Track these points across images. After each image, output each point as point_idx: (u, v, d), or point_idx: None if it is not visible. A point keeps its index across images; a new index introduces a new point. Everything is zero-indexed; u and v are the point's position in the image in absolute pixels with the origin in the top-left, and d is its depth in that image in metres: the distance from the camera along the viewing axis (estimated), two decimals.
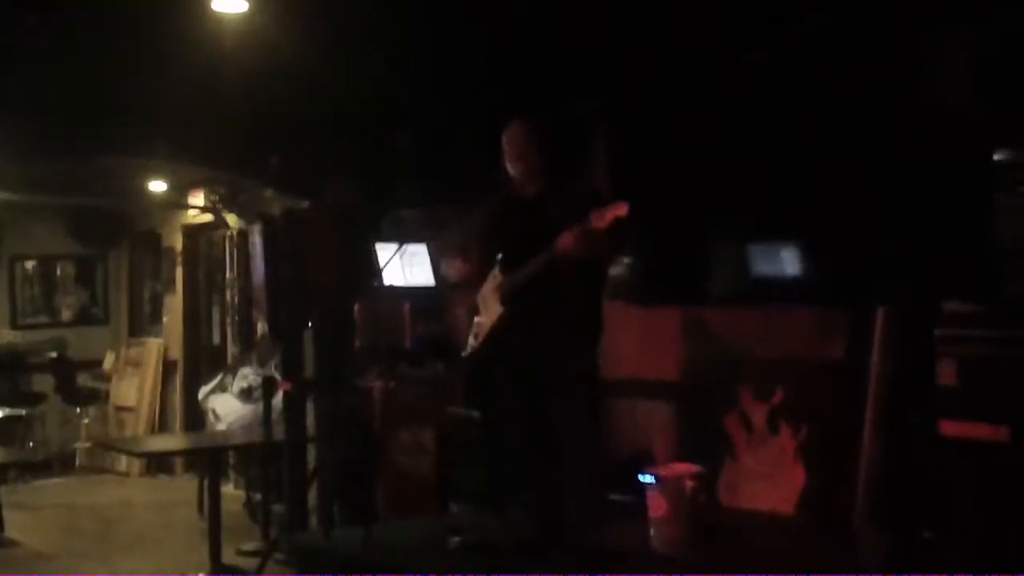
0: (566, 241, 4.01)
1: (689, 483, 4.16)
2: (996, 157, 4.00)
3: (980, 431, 3.48)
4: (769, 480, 4.74)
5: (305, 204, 6.94)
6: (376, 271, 5.78)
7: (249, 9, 4.48)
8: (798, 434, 4.68)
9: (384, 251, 5.85)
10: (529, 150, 4.38)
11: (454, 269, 4.73)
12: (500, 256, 4.38)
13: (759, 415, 4.86)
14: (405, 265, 5.84)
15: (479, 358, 4.51)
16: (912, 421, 3.85)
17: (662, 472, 4.28)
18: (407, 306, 5.63)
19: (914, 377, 3.87)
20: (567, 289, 4.19)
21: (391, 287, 5.81)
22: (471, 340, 4.49)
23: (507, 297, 4.30)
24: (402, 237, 6.01)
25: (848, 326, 4.47)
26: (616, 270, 5.36)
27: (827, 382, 4.57)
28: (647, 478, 4.20)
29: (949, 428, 3.59)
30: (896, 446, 3.96)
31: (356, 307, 5.92)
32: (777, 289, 5.11)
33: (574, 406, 4.28)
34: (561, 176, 4.43)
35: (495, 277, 4.38)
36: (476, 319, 4.46)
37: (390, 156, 6.37)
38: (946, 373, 3.63)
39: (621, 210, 3.90)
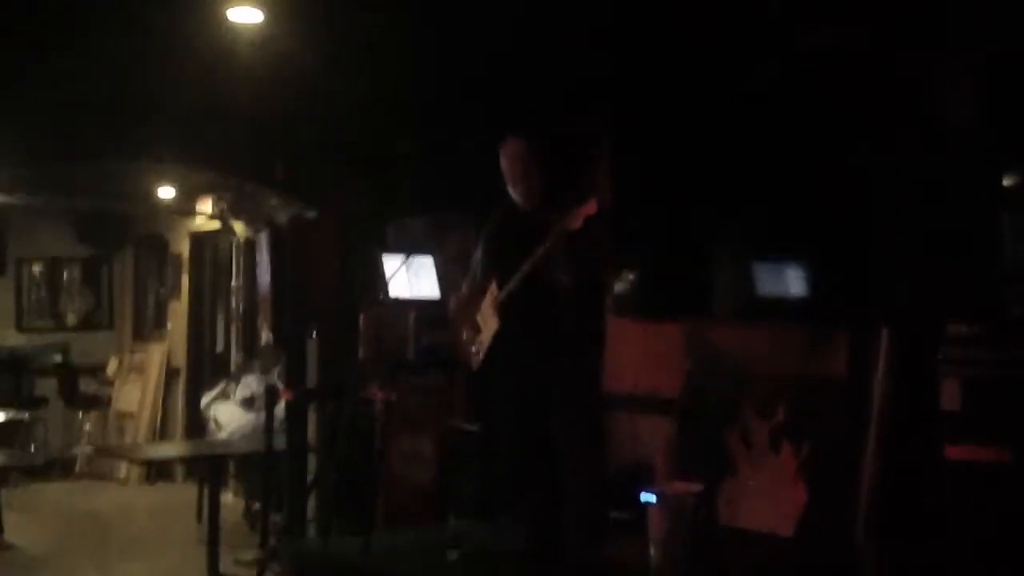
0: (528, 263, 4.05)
1: (690, 501, 4.15)
2: (1003, 180, 4.01)
3: (983, 454, 3.47)
4: (770, 498, 4.72)
5: (311, 213, 6.95)
6: (382, 281, 5.77)
7: (263, 20, 4.49)
8: (799, 453, 4.66)
9: (390, 261, 5.84)
10: (526, 170, 4.39)
11: (452, 304, 4.79)
12: (497, 271, 4.39)
13: (760, 432, 4.84)
14: (411, 276, 5.84)
15: (481, 371, 4.52)
16: (915, 443, 3.83)
17: (663, 490, 4.27)
18: (412, 317, 5.62)
19: (917, 398, 3.86)
20: (565, 302, 4.20)
21: (396, 298, 5.81)
22: (475, 357, 4.49)
23: (502, 309, 4.31)
24: (408, 248, 6.01)
25: (851, 345, 4.46)
26: (619, 285, 5.37)
27: (829, 401, 4.56)
28: (648, 496, 4.18)
29: (952, 450, 3.58)
30: (898, 467, 3.95)
31: (360, 317, 5.92)
32: (780, 306, 5.11)
33: (574, 421, 4.28)
34: (560, 192, 4.42)
35: (492, 292, 4.39)
36: (478, 336, 4.47)
37: (395, 164, 6.38)
38: (949, 395, 3.63)
39: (591, 208, 3.92)
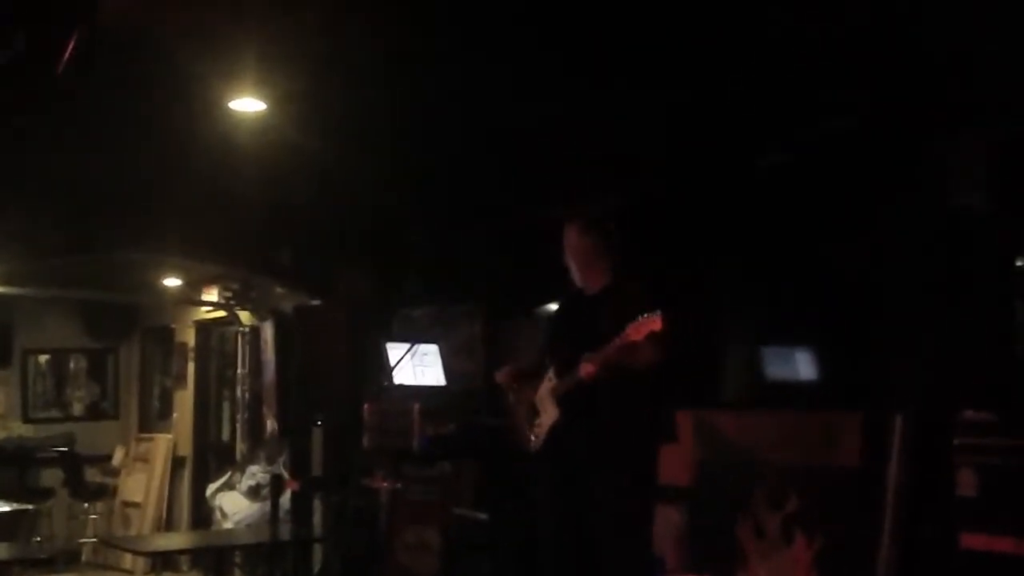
0: (586, 370, 4.04)
1: None
2: (1016, 264, 3.97)
3: (1002, 544, 3.38)
4: None
5: (316, 301, 6.94)
6: (387, 370, 5.74)
7: (265, 109, 4.53)
8: (813, 544, 4.55)
9: (395, 350, 5.82)
10: (586, 251, 4.38)
11: (500, 376, 4.75)
12: (556, 356, 4.37)
13: (772, 523, 4.74)
14: (416, 365, 5.80)
15: (532, 462, 4.48)
16: (930, 532, 3.74)
17: None
18: (416, 406, 5.57)
19: (932, 486, 3.78)
20: (622, 395, 4.15)
21: (401, 386, 5.77)
22: (533, 439, 4.46)
23: (559, 401, 4.29)
24: (413, 337, 5.99)
25: (863, 432, 4.38)
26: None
27: (843, 490, 4.47)
28: None
29: (970, 540, 3.49)
30: (914, 558, 3.85)
31: (365, 406, 5.87)
32: (791, 393, 5.04)
33: (620, 520, 4.19)
34: (620, 274, 4.41)
35: (550, 379, 4.38)
36: (536, 420, 4.44)
37: (401, 254, 6.39)
38: (966, 483, 3.55)
39: (655, 324, 3.87)
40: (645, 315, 3.89)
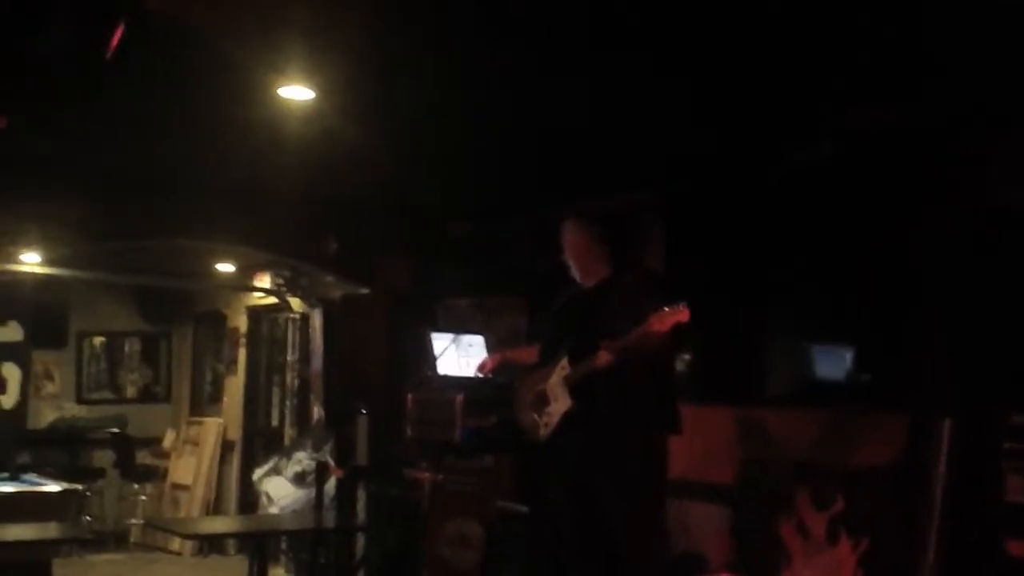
0: (603, 358, 4.06)
1: None
2: None
3: None
4: None
5: (363, 290, 6.96)
6: (430, 360, 5.74)
7: (314, 98, 4.54)
8: (859, 546, 4.48)
9: (439, 341, 5.82)
10: (584, 247, 4.48)
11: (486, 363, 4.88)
12: (567, 346, 4.41)
13: (818, 523, 4.67)
14: (460, 355, 5.80)
15: (540, 450, 4.52)
16: (977, 537, 3.67)
17: None
18: (459, 397, 5.56)
19: (979, 491, 3.70)
20: (636, 384, 4.15)
21: (444, 377, 5.77)
22: (542, 429, 4.48)
23: (573, 390, 4.31)
24: (456, 327, 5.99)
25: (910, 433, 4.30)
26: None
27: (889, 492, 4.39)
28: None
29: (1017, 547, 3.41)
30: (959, 564, 3.77)
31: (408, 396, 5.88)
32: (837, 391, 4.97)
33: (636, 508, 4.21)
34: (621, 265, 4.44)
35: (563, 368, 4.39)
36: (546, 408, 4.45)
37: (445, 244, 6.39)
38: (1013, 488, 3.47)
39: (683, 315, 3.88)
40: (670, 305, 3.89)
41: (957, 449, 3.89)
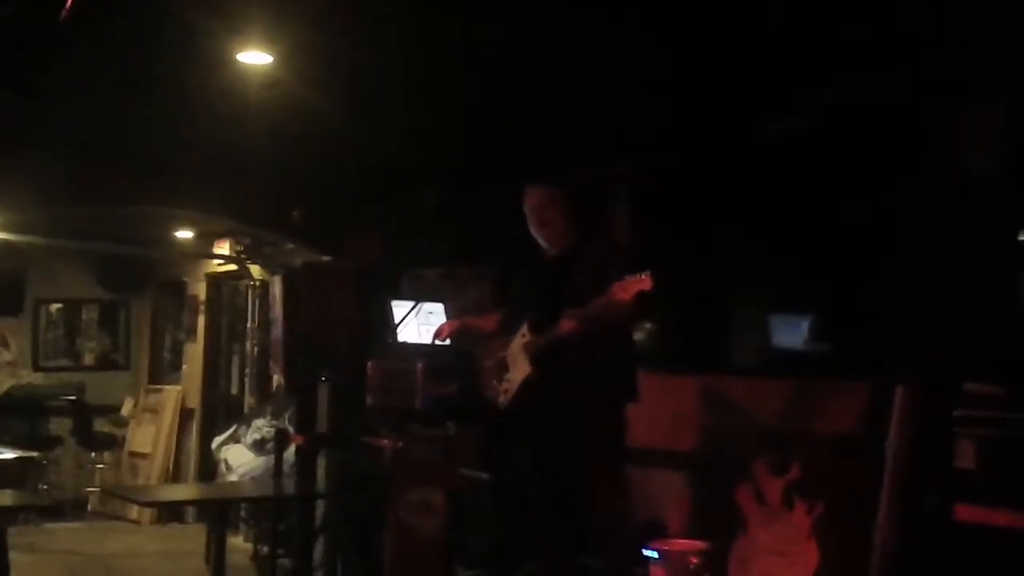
0: (567, 325, 4.08)
1: (693, 559, 4.07)
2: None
3: (998, 517, 3.38)
4: (782, 557, 4.61)
5: (326, 258, 6.94)
6: (391, 328, 5.74)
7: (273, 62, 4.50)
8: (813, 511, 4.55)
9: (400, 308, 5.81)
10: (550, 215, 4.47)
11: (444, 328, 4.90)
12: (530, 314, 4.42)
13: (774, 490, 4.74)
14: (421, 323, 5.80)
15: (501, 418, 4.54)
16: (928, 504, 3.74)
17: (665, 547, 4.20)
18: (421, 365, 5.57)
19: (931, 458, 3.77)
20: (597, 352, 4.18)
21: (405, 344, 5.77)
22: (502, 396, 4.50)
23: (534, 357, 4.32)
24: (419, 295, 5.98)
25: (868, 402, 4.38)
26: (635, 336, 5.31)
27: (845, 459, 4.47)
28: (650, 553, 4.11)
29: (966, 512, 3.48)
30: (911, 529, 3.85)
31: (369, 364, 5.87)
32: (798, 361, 5.03)
33: (600, 475, 4.26)
34: (586, 234, 4.47)
35: (524, 335, 4.40)
36: (506, 375, 4.46)
37: (413, 214, 6.37)
38: (965, 455, 3.54)
39: (645, 284, 3.90)
40: (634, 275, 3.91)
41: (910, 416, 3.96)
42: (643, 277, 3.93)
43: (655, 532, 5.03)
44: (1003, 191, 3.95)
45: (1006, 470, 3.43)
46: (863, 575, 4.05)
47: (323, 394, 6.73)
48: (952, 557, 3.58)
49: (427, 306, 5.83)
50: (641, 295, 3.96)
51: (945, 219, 4.08)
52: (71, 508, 9.97)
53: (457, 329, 5.08)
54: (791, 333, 5.22)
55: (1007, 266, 3.81)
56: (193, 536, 8.75)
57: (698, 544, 4.25)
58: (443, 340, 5.07)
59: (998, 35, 3.58)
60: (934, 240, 4.11)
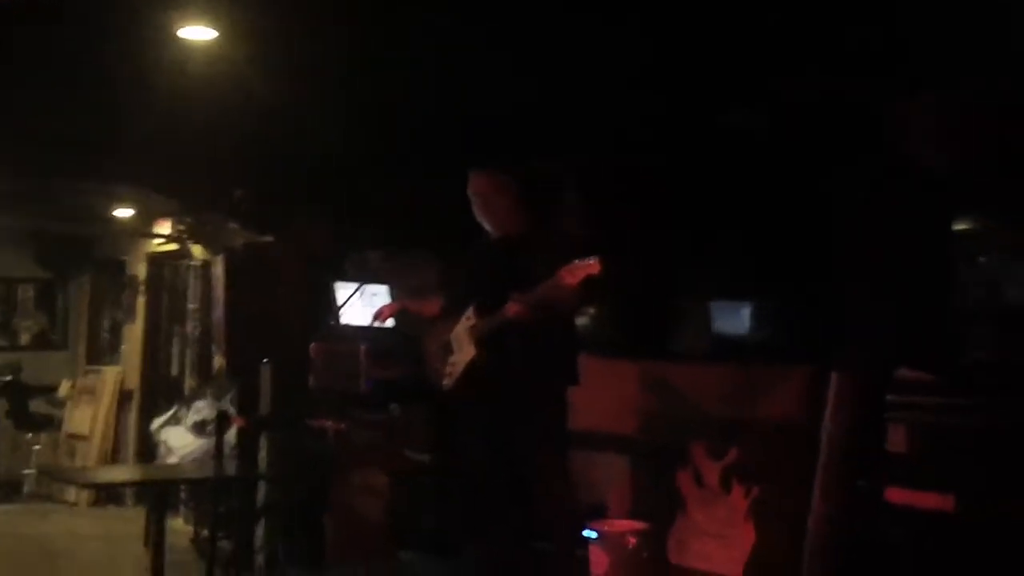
0: (514, 308, 4.09)
1: (631, 540, 4.12)
2: (957, 225, 4.02)
3: (927, 499, 3.46)
4: (719, 539, 4.69)
5: (269, 239, 6.88)
6: (334, 310, 5.72)
7: (217, 38, 4.44)
8: (750, 494, 4.63)
9: (344, 290, 5.79)
10: (495, 200, 4.46)
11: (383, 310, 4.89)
12: (475, 298, 4.44)
13: (712, 473, 4.81)
14: (364, 305, 5.78)
15: (446, 400, 4.53)
16: (860, 487, 3.82)
17: (604, 528, 4.24)
18: (364, 348, 5.56)
19: (864, 443, 3.85)
20: (541, 335, 4.20)
21: (348, 327, 5.75)
22: (447, 379, 4.51)
23: (479, 341, 4.33)
24: (363, 277, 5.96)
25: (805, 388, 4.45)
26: (577, 320, 5.34)
27: (782, 443, 4.55)
28: (589, 533, 4.16)
29: (897, 495, 3.56)
30: (843, 511, 3.93)
31: (312, 346, 5.85)
32: (737, 347, 5.10)
33: (545, 458, 4.29)
34: (532, 220, 4.47)
35: (469, 318, 4.41)
36: (451, 358, 4.45)
37: (358, 196, 6.34)
38: (896, 440, 3.62)
39: (593, 268, 3.93)
40: (581, 260, 3.94)
41: (844, 400, 4.04)
42: (590, 262, 3.95)
43: (597, 515, 5.08)
44: (940, 181, 4.04)
45: (936, 454, 3.51)
46: (798, 557, 4.13)
47: (266, 376, 6.67)
48: (883, 540, 3.66)
49: (371, 288, 5.82)
50: (588, 280, 3.98)
51: (881, 208, 4.15)
52: (6, 490, 9.83)
53: (397, 311, 5.06)
54: (733, 320, 5.28)
55: (941, 255, 3.89)
56: (132, 519, 8.65)
57: (637, 524, 4.30)
58: (383, 321, 5.05)
59: (944, 26, 3.65)
60: (871, 229, 4.18)
